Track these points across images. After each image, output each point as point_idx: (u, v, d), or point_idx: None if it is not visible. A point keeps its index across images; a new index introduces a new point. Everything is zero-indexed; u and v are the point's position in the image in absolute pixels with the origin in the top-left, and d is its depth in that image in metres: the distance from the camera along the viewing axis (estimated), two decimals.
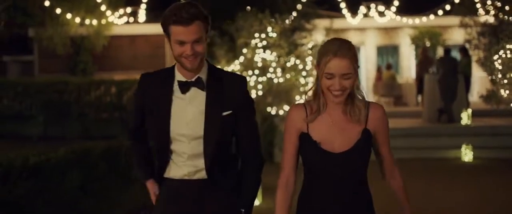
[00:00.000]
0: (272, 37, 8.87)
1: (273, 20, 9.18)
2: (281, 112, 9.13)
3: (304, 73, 8.88)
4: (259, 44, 8.84)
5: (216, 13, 8.68)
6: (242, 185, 3.28)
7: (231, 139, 3.27)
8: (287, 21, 10.15)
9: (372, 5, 22.61)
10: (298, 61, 8.85)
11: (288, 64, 8.75)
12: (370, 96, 20.69)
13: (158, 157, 3.28)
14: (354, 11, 21.96)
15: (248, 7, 9.87)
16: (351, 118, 2.99)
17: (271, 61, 8.72)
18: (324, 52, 2.94)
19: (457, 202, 8.07)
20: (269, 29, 8.94)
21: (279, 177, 3.12)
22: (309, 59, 9.10)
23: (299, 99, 9.00)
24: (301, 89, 9.24)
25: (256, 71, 8.56)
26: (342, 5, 20.47)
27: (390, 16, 21.78)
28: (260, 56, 8.75)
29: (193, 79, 3.17)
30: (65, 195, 5.47)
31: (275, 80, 8.62)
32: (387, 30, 24.06)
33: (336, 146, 2.98)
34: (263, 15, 9.11)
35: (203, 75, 3.19)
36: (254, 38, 8.95)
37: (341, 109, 3.01)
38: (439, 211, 7.58)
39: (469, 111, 14.47)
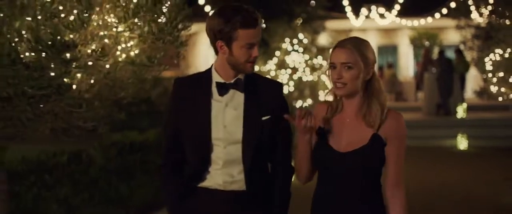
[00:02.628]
0: (303, 42, 10.48)
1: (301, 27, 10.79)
2: (305, 105, 10.79)
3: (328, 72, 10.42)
4: (289, 48, 10.45)
5: None
6: (275, 199, 3.10)
7: (268, 146, 3.06)
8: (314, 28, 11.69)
9: (373, 7, 23.94)
10: (324, 62, 10.48)
11: (316, 65, 10.38)
12: None
13: (191, 165, 3.06)
14: (356, 13, 23.29)
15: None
16: (364, 120, 2.88)
17: (300, 63, 10.34)
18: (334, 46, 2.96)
19: (456, 180, 9.65)
20: (301, 36, 10.54)
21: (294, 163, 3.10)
22: None
23: (322, 94, 10.65)
24: (320, 84, 10.87)
25: (289, 71, 10.17)
26: (348, 8, 21.74)
27: (391, 19, 23.06)
28: (291, 58, 10.36)
29: (232, 81, 3.01)
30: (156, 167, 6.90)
31: (304, 79, 10.23)
32: (387, 31, 25.35)
33: (343, 145, 2.90)
34: (295, 23, 10.69)
35: (241, 77, 3.02)
36: (285, 42, 10.55)
37: (357, 110, 2.91)
38: (441, 185, 9.09)
39: (464, 105, 16.08)
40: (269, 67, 10.46)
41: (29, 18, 2.84)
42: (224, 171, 3.02)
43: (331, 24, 18.63)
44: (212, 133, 3.00)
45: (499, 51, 9.53)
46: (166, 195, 3.12)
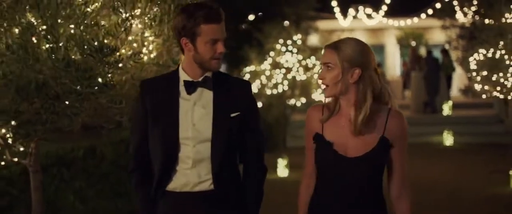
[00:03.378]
0: (296, 43, 10.97)
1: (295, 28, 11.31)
2: (298, 104, 11.28)
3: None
4: (283, 49, 10.93)
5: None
6: (246, 198, 3.07)
7: (237, 145, 3.05)
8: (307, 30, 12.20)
9: (360, 8, 24.44)
10: (317, 62, 10.99)
11: (309, 65, 10.88)
12: None
13: (159, 167, 2.99)
14: (343, 14, 23.77)
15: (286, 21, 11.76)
16: (366, 122, 2.77)
17: (293, 63, 10.83)
18: None
19: (443, 174, 10.15)
20: (295, 37, 11.04)
21: (301, 181, 3.01)
22: None
23: (315, 93, 11.16)
24: (312, 84, 11.36)
25: (283, 70, 10.64)
26: (336, 9, 22.22)
27: (378, 19, 23.58)
28: (285, 58, 10.85)
29: (200, 79, 2.98)
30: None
31: (298, 78, 10.71)
32: (375, 31, 25.89)
33: (349, 150, 2.80)
34: (289, 25, 11.19)
35: (210, 75, 3.00)
36: (279, 44, 11.03)
37: (355, 110, 2.80)
38: (429, 179, 9.57)
39: (450, 103, 16.62)
40: (264, 67, 10.91)
41: (72, 26, 3.27)
42: (193, 171, 2.96)
43: (320, 24, 19.11)
44: (181, 132, 2.94)
45: (482, 51, 9.97)
46: (139, 202, 3.05)
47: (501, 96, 9.82)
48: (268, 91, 10.34)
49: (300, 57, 11.13)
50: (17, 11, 3.27)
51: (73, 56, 3.29)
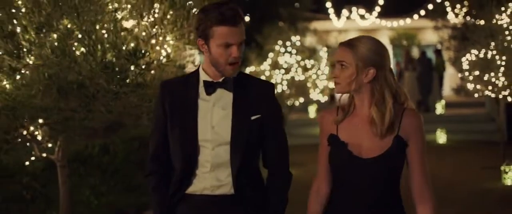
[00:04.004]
0: (296, 45, 11.37)
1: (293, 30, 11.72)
2: (296, 103, 11.69)
3: (319, 72, 11.49)
4: (282, 50, 11.31)
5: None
6: (269, 204, 2.94)
7: (259, 148, 2.95)
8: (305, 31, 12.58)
9: (354, 9, 24.77)
10: (315, 63, 11.40)
11: (308, 65, 11.29)
12: None
13: (179, 170, 2.91)
14: (337, 14, 24.09)
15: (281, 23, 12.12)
16: (380, 121, 2.71)
17: (292, 64, 11.22)
18: None
19: (437, 170, 10.45)
20: (293, 38, 11.43)
21: (312, 184, 2.94)
22: (324, 61, 11.78)
23: (313, 93, 11.57)
24: (310, 84, 11.74)
25: (282, 71, 11.02)
26: (331, 10, 22.53)
27: (371, 20, 23.92)
28: (284, 59, 11.23)
29: (220, 80, 2.88)
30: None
31: (296, 78, 11.09)
32: (368, 31, 26.04)
33: (364, 151, 2.74)
34: (287, 27, 11.58)
35: (231, 77, 2.89)
36: (278, 45, 11.41)
37: (369, 111, 2.74)
38: None
39: (443, 102, 17.04)
40: (264, 68, 11.26)
41: (104, 31, 3.60)
42: (212, 175, 2.87)
43: (314, 25, 19.43)
44: (200, 134, 2.85)
45: (474, 51, 10.25)
46: (155, 205, 2.95)
47: (493, 95, 10.02)
48: None
49: (299, 58, 11.51)
50: (54, 18, 3.60)
51: (108, 59, 3.63)
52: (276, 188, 2.95)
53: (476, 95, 11.05)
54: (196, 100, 2.87)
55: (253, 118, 2.88)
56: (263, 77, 11.00)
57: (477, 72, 10.09)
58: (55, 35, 3.60)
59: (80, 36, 3.53)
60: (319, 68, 11.60)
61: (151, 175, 2.98)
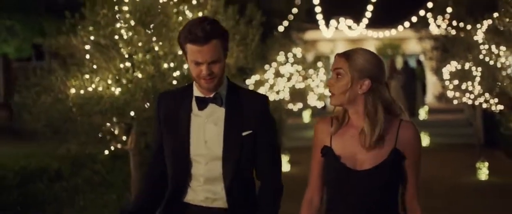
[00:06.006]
0: (296, 56, 12.73)
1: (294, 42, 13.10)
2: (295, 109, 13.12)
3: (318, 80, 12.92)
4: (283, 60, 12.64)
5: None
6: None
7: (251, 162, 2.93)
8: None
9: (342, 19, 25.63)
10: (313, 72, 12.84)
11: (308, 75, 12.69)
12: None
13: (173, 180, 2.93)
14: (326, 24, 24.61)
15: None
16: (370, 133, 2.66)
17: (293, 73, 12.56)
18: None
19: (422, 167, 11.71)
20: (295, 50, 12.80)
21: (305, 194, 2.89)
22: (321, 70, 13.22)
23: (311, 99, 12.96)
24: (310, 90, 13.14)
25: (284, 79, 12.34)
26: (321, 22, 23.44)
27: (359, 30, 24.72)
28: (285, 69, 12.56)
29: (211, 96, 2.87)
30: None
31: (297, 86, 12.43)
32: (355, 41, 26.92)
33: (359, 163, 2.70)
34: (289, 39, 12.93)
35: (222, 91, 2.90)
36: (280, 55, 12.76)
37: (369, 122, 2.68)
38: None
39: (426, 108, 18.11)
40: (267, 76, 12.57)
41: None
42: (206, 188, 2.89)
43: (304, 35, 20.53)
44: (192, 149, 2.86)
45: (454, 63, 11.40)
46: (138, 191, 3.14)
47: (470, 102, 11.00)
48: (271, 98, 11.91)
49: (299, 67, 12.84)
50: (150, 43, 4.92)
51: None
52: (266, 200, 2.94)
53: (455, 102, 12.08)
54: (189, 115, 2.90)
55: (244, 133, 2.88)
56: (267, 85, 12.27)
57: (456, 82, 11.03)
58: (148, 56, 4.95)
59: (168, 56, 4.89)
60: (317, 77, 13.01)
61: (149, 167, 3.08)
